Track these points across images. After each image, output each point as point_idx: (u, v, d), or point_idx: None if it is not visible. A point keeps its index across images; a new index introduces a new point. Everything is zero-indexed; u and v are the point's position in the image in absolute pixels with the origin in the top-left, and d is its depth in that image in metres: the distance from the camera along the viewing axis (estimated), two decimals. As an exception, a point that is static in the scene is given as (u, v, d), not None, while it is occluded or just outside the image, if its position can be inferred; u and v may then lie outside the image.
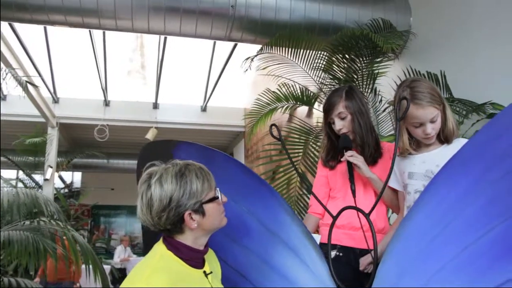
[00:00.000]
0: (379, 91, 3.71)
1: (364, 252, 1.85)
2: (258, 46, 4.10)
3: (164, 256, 1.31)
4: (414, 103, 1.66)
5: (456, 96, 3.10)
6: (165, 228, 1.31)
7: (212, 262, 1.46)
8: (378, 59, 3.72)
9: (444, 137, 1.74)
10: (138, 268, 1.29)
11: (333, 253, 1.84)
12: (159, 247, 1.35)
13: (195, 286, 1.30)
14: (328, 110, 1.94)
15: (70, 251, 3.36)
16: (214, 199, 1.34)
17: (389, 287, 1.40)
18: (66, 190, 10.50)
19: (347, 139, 1.88)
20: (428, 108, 1.67)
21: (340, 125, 1.90)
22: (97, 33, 6.41)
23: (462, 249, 1.30)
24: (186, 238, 1.33)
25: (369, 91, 3.71)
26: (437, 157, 1.72)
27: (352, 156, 1.82)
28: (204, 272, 1.37)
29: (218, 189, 1.37)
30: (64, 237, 3.17)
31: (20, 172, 8.55)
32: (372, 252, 1.77)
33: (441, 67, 3.21)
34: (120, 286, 1.25)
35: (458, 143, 1.70)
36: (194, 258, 1.35)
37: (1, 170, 9.01)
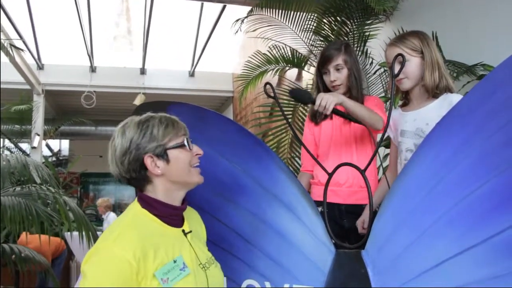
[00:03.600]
0: (369, 53, 3.69)
1: (349, 208, 1.88)
2: (247, 8, 4.03)
3: (137, 214, 1.28)
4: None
5: (448, 58, 3.09)
6: (131, 177, 1.29)
7: (195, 224, 1.43)
8: (369, 21, 3.69)
9: (426, 90, 1.75)
10: (110, 227, 1.26)
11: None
12: (134, 206, 1.32)
13: (171, 244, 1.25)
14: (324, 61, 1.94)
15: (62, 217, 3.36)
16: (179, 145, 1.29)
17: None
18: (54, 158, 10.43)
19: (300, 92, 1.80)
20: (393, 48, 1.74)
21: (335, 77, 1.92)
22: (81, -3, 6.25)
23: (457, 201, 1.32)
24: (157, 189, 1.29)
25: (359, 53, 3.69)
26: (427, 115, 1.74)
27: (321, 101, 1.64)
28: (183, 230, 1.32)
29: (187, 138, 1.33)
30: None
31: (6, 141, 8.45)
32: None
33: (433, 28, 3.18)
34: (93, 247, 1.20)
35: (448, 99, 1.71)
36: (170, 215, 1.30)
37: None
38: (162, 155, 1.27)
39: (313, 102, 1.65)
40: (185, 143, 1.31)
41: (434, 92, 1.74)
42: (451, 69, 2.99)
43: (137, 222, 1.26)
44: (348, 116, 1.75)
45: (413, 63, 1.73)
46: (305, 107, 3.79)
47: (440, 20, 3.36)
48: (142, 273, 1.14)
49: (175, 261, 1.21)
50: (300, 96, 1.76)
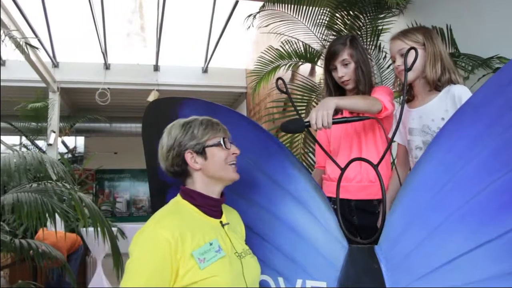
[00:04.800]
0: (383, 47, 3.66)
1: (359, 204, 1.87)
2: (259, 4, 4.02)
3: (178, 203, 1.41)
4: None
5: (463, 51, 3.05)
6: (174, 171, 1.43)
7: (234, 221, 1.52)
8: (382, 15, 3.65)
9: (427, 82, 1.74)
10: (154, 215, 1.38)
11: None
12: (176, 198, 1.45)
13: (208, 230, 1.36)
14: (331, 57, 1.92)
15: (78, 213, 3.39)
16: (216, 144, 1.42)
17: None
18: (70, 155, 10.53)
19: (291, 124, 1.67)
20: (395, 42, 1.74)
21: (343, 73, 1.90)
22: (95, -5, 6.29)
23: (469, 198, 1.31)
24: (196, 183, 1.42)
25: (373, 47, 3.66)
26: (432, 110, 1.72)
27: (316, 122, 1.56)
28: (221, 222, 1.43)
29: (226, 139, 1.44)
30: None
31: (23, 138, 8.56)
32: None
33: (447, 21, 3.15)
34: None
35: (450, 91, 1.69)
36: (208, 206, 1.41)
37: (5, 136, 9.03)
38: (201, 152, 1.41)
39: (310, 125, 1.58)
40: (222, 142, 1.43)
41: (435, 85, 1.72)
42: (466, 62, 2.95)
43: (178, 209, 1.40)
44: (348, 120, 1.74)
45: (419, 56, 1.71)
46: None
47: (454, 12, 3.32)
48: (180, 252, 1.26)
49: (211, 244, 1.32)
50: (292, 127, 1.65)
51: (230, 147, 1.45)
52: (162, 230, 1.27)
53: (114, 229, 6.80)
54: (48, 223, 2.99)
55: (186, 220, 1.35)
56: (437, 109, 1.69)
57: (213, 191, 1.43)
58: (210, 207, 1.42)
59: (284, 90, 1.72)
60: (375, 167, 1.53)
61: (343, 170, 1.60)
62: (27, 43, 4.56)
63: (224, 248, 1.35)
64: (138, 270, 1.25)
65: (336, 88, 1.98)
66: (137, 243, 1.29)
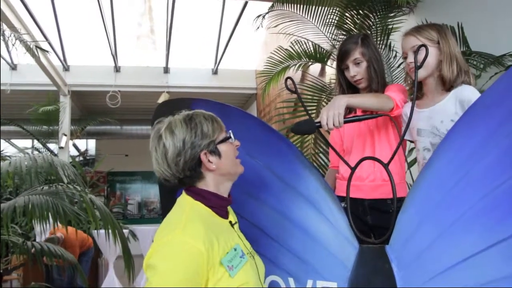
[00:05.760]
0: (393, 46, 3.63)
1: (373, 203, 1.84)
2: (268, 5, 4.02)
3: (193, 206, 1.29)
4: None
5: (474, 49, 3.02)
6: (185, 176, 1.29)
7: (235, 218, 1.47)
8: (392, 14, 3.63)
9: (442, 82, 1.71)
10: (169, 223, 1.26)
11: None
12: (185, 199, 1.32)
13: (226, 233, 1.29)
14: (343, 57, 1.91)
15: (89, 215, 3.41)
16: (226, 139, 1.33)
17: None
18: (81, 158, 10.62)
19: (302, 126, 1.67)
20: (408, 38, 1.72)
21: (355, 72, 1.88)
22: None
23: (482, 196, 1.29)
24: (208, 184, 1.31)
25: (383, 46, 3.64)
26: (441, 111, 1.69)
27: (327, 122, 1.55)
28: (230, 222, 1.36)
29: (230, 131, 1.36)
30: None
31: (35, 141, 8.65)
32: None
33: (458, 19, 3.12)
34: (154, 242, 1.21)
35: (457, 92, 1.66)
36: (221, 206, 1.34)
37: (17, 140, 9.13)
38: (214, 150, 1.29)
39: (321, 126, 1.56)
40: (232, 136, 1.34)
41: (450, 85, 1.70)
42: (478, 60, 2.91)
43: (197, 213, 1.27)
44: (359, 118, 1.71)
45: (432, 54, 1.69)
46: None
47: (465, 10, 3.29)
48: (211, 261, 1.16)
49: (235, 249, 1.24)
50: (303, 128, 1.65)
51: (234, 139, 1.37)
52: (191, 239, 1.15)
53: (126, 231, 6.82)
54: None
55: (208, 224, 1.23)
56: (447, 110, 1.66)
57: (225, 190, 1.34)
58: (222, 207, 1.34)
59: (294, 89, 1.70)
60: (386, 166, 1.51)
61: (353, 169, 1.59)
62: (37, 47, 4.60)
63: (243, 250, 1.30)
64: (168, 285, 1.11)
65: (349, 88, 1.96)
66: (163, 256, 1.15)
